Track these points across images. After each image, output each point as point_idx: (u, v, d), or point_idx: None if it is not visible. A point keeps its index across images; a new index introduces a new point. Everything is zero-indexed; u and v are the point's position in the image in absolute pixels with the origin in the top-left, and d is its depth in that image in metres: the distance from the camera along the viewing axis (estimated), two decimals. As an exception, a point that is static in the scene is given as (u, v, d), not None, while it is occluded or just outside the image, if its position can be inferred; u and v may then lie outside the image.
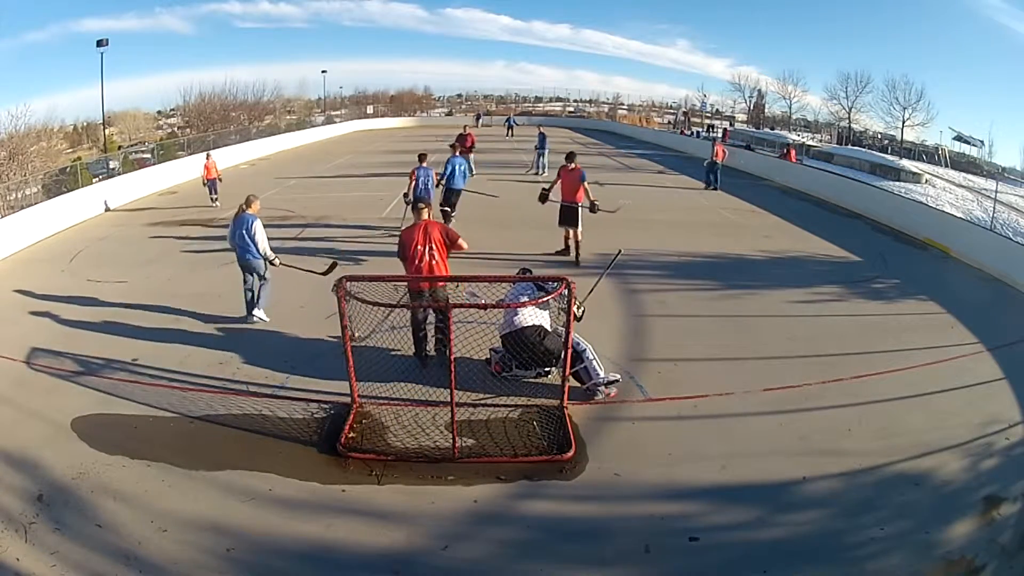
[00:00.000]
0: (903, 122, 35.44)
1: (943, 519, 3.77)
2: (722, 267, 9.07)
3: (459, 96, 55.19)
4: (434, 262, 5.47)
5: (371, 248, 9.68)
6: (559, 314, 5.41)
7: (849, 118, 38.93)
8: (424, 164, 9.50)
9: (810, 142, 33.78)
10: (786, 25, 51.75)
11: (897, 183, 22.04)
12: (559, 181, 8.70)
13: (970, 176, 26.83)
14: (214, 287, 7.87)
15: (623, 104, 52.38)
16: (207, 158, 13.85)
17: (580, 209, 8.51)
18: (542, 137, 18.16)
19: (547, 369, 5.33)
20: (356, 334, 5.70)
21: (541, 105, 53.92)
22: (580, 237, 8.66)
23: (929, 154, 31.97)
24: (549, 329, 5.30)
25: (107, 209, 13.31)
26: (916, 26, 39.92)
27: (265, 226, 6.77)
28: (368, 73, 59.84)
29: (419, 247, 5.45)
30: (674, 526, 3.70)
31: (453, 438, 4.35)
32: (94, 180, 15.83)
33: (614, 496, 3.98)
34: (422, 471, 4.21)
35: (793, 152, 20.35)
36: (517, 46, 70.15)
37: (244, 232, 6.52)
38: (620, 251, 6.64)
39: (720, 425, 4.81)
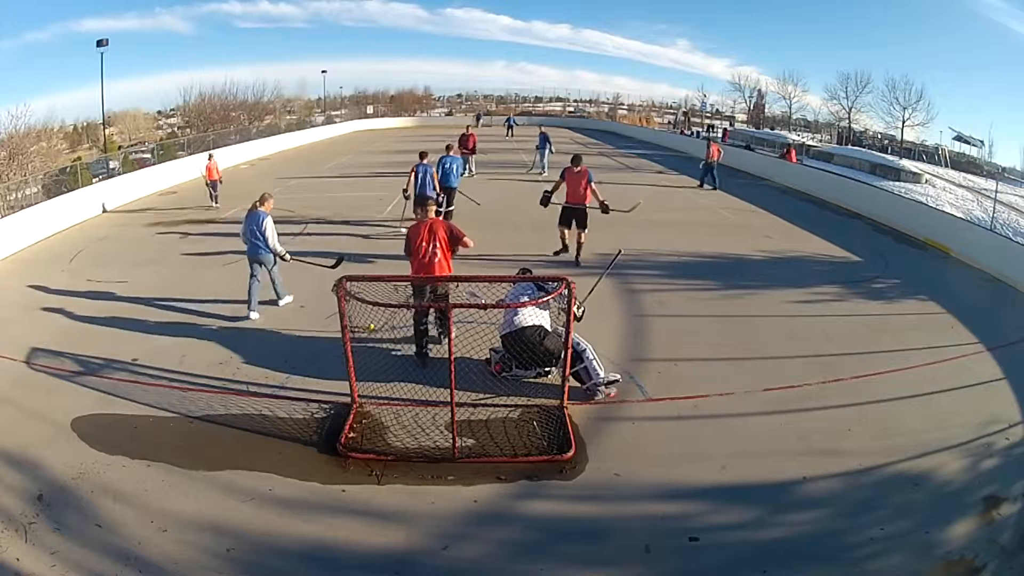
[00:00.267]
0: (903, 122, 35.44)
1: (943, 519, 3.77)
2: (722, 267, 9.07)
3: (459, 96, 55.19)
4: (437, 259, 5.62)
5: (371, 247, 9.69)
6: (559, 314, 5.41)
7: (849, 118, 38.94)
8: (424, 162, 9.68)
9: (810, 142, 33.74)
10: (786, 25, 51.74)
11: (897, 183, 22.02)
12: (562, 183, 8.59)
13: (970, 176, 26.80)
14: (214, 287, 7.87)
15: (623, 104, 52.40)
16: (209, 159, 13.74)
17: (588, 211, 8.45)
18: (543, 137, 18.17)
19: (547, 369, 5.33)
20: (371, 326, 5.92)
21: (541, 105, 53.91)
22: (584, 239, 8.61)
23: (929, 154, 31.95)
24: (549, 329, 5.30)
25: (104, 210, 13.24)
26: (916, 26, 39.92)
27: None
28: (368, 73, 59.93)
29: (423, 243, 5.62)
30: (674, 526, 3.70)
31: (453, 438, 4.35)
32: (94, 180, 15.79)
33: (614, 496, 3.98)
34: (422, 471, 4.21)
35: (793, 152, 20.34)
36: (517, 46, 70.21)
37: (255, 228, 6.77)
38: (620, 251, 6.64)
39: (720, 425, 4.81)
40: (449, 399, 4.34)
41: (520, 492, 4.03)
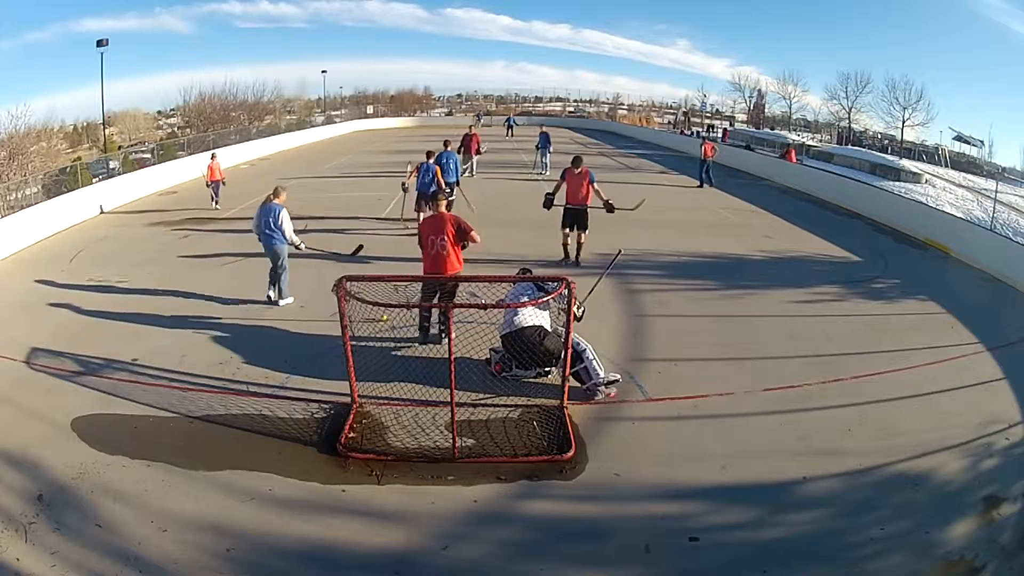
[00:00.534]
0: (903, 122, 35.43)
1: (943, 519, 3.77)
2: (722, 267, 9.07)
3: (459, 96, 55.19)
4: (445, 253, 5.82)
5: (371, 247, 9.66)
6: (559, 314, 5.42)
7: (849, 118, 38.93)
8: (430, 160, 10.03)
9: (810, 142, 33.74)
10: (786, 25, 51.72)
11: (897, 183, 22.02)
12: (563, 184, 8.51)
13: (970, 176, 26.80)
14: (214, 287, 7.87)
15: (623, 104, 52.40)
16: (212, 159, 13.51)
17: (589, 211, 8.40)
18: (544, 137, 18.18)
19: (547, 369, 5.33)
20: (384, 316, 6.05)
21: (541, 105, 53.91)
22: (584, 240, 8.58)
23: (929, 154, 31.95)
24: (549, 329, 5.30)
25: (102, 211, 13.11)
26: (916, 26, 39.90)
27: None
28: (368, 73, 59.86)
29: (431, 237, 5.85)
30: (674, 526, 3.70)
31: (453, 438, 4.35)
32: (94, 180, 15.78)
33: (614, 496, 3.98)
34: (422, 471, 4.21)
35: (793, 153, 20.35)
36: (517, 46, 70.18)
37: (271, 220, 7.00)
38: (620, 251, 6.64)
39: (720, 425, 4.81)
40: (449, 399, 4.34)
41: (520, 492, 4.03)
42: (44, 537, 3.54)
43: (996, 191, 13.88)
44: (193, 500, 3.89)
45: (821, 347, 6.19)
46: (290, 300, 7.28)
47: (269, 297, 7.23)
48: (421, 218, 9.47)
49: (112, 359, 5.80)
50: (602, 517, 3.81)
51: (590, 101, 53.52)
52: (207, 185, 13.17)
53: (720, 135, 32.37)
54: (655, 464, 4.29)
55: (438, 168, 10.01)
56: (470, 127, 18.42)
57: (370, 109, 47.16)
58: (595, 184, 8.38)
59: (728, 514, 3.83)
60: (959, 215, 13.30)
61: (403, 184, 10.50)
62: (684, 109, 47.48)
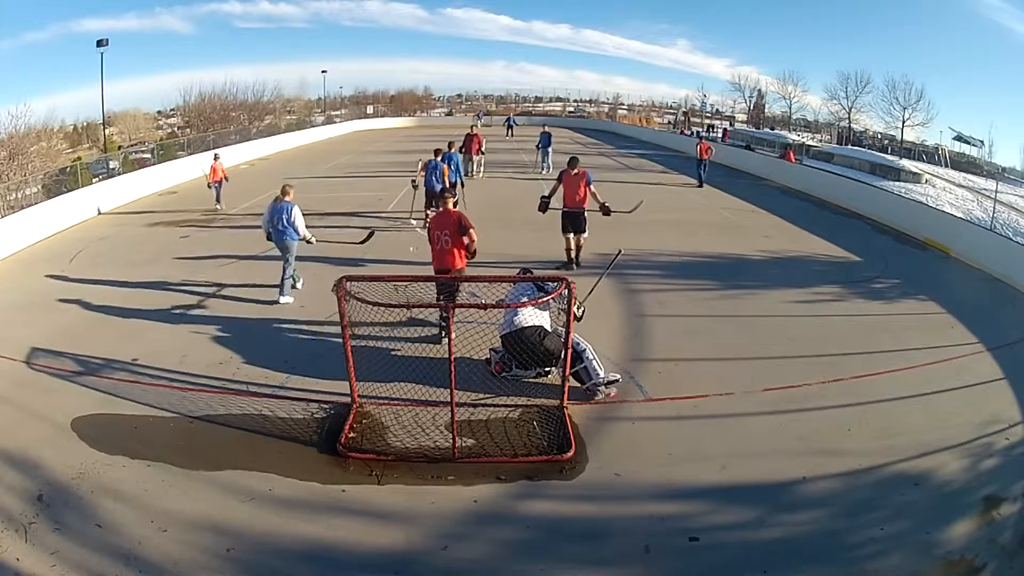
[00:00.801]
0: (903, 122, 35.43)
1: (943, 519, 3.77)
2: (722, 267, 9.06)
3: (459, 96, 55.17)
4: (447, 248, 6.05)
5: (371, 247, 9.66)
6: (559, 314, 5.42)
7: (849, 118, 38.93)
8: (437, 159, 10.43)
9: (810, 142, 33.74)
10: (786, 25, 51.75)
11: (897, 183, 22.03)
12: (560, 186, 8.40)
13: (970, 176, 26.81)
14: (214, 287, 7.88)
15: (623, 104, 52.39)
16: (215, 159, 13.32)
17: (586, 214, 8.29)
18: (546, 137, 18.20)
19: (547, 369, 5.33)
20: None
21: (541, 105, 53.91)
22: (583, 242, 8.46)
23: (929, 154, 31.95)
24: (549, 329, 5.30)
25: (99, 213, 13.00)
26: (916, 26, 39.89)
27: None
28: (368, 73, 59.71)
29: (437, 232, 6.12)
30: (674, 526, 3.70)
31: (453, 438, 4.35)
32: (94, 180, 15.76)
33: (614, 496, 3.98)
34: (422, 471, 4.21)
35: (792, 153, 20.38)
36: (517, 46, 70.16)
37: (284, 218, 7.18)
38: (620, 251, 6.64)
39: (720, 425, 4.81)
40: (449, 399, 4.34)
41: (520, 492, 4.03)
42: (44, 537, 3.54)
43: (996, 191, 13.88)
44: (193, 500, 3.89)
45: (821, 347, 6.19)
46: (289, 300, 7.32)
47: (293, 283, 7.56)
48: (427, 213, 10.20)
49: (112, 359, 5.80)
50: (602, 517, 3.81)
51: (590, 101, 53.54)
52: (208, 186, 13.00)
53: (720, 135, 32.38)
54: (655, 464, 4.29)
55: (445, 167, 10.32)
56: (471, 127, 18.45)
57: (370, 109, 47.15)
58: (591, 186, 8.25)
59: (728, 514, 3.83)
60: (959, 215, 13.30)
61: (413, 181, 10.80)
62: (684, 109, 47.50)
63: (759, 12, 53.23)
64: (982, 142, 32.56)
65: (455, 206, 6.29)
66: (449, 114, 49.38)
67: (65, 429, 4.67)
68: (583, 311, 5.69)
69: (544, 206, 8.73)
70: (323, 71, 45.02)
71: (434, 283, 5.86)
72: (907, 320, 7.07)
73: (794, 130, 40.61)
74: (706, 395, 5.21)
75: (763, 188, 16.62)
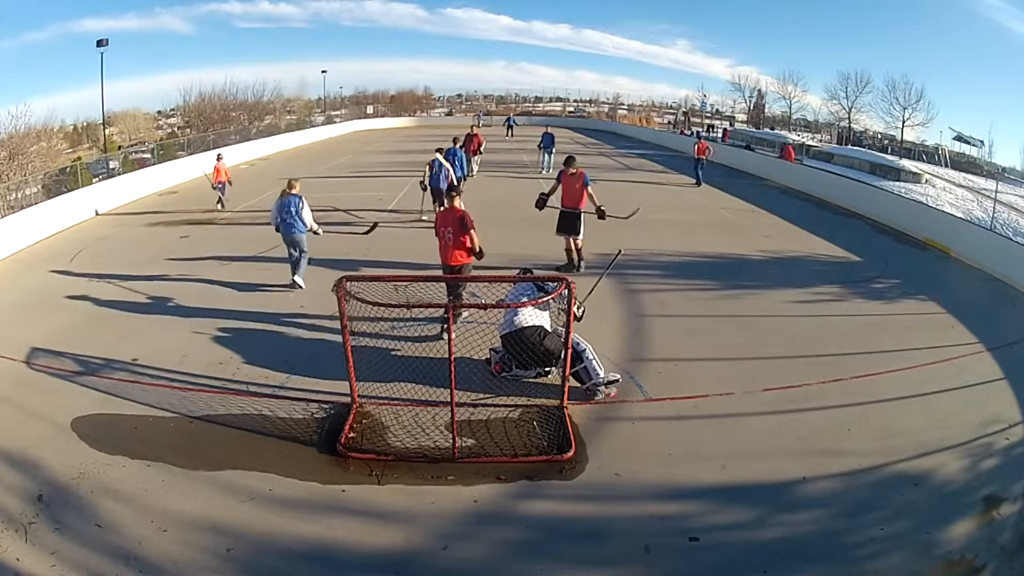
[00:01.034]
0: (903, 122, 35.45)
1: (943, 519, 3.77)
2: (722, 267, 9.06)
3: (459, 96, 55.20)
4: (451, 243, 6.21)
5: (372, 247, 9.68)
6: (559, 314, 5.41)
7: (849, 118, 38.95)
8: (440, 157, 10.80)
9: (810, 142, 33.74)
10: (786, 25, 51.80)
11: (897, 183, 22.03)
12: (559, 186, 8.32)
13: (970, 176, 26.81)
14: (214, 287, 7.87)
15: (623, 104, 52.43)
16: (218, 159, 13.20)
17: (583, 216, 8.16)
18: (549, 137, 18.23)
19: (547, 369, 5.33)
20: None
21: (541, 105, 53.94)
22: (580, 244, 8.33)
23: (929, 154, 31.95)
24: (549, 329, 5.30)
25: (97, 214, 12.92)
26: (916, 26, 39.93)
27: (267, 223, 7.37)
28: (368, 73, 59.81)
29: (442, 228, 6.29)
30: (674, 526, 3.70)
31: (453, 438, 4.35)
32: (94, 180, 15.75)
33: (614, 496, 3.98)
34: (422, 471, 4.21)
35: (791, 150, 20.39)
36: (517, 46, 70.31)
37: (292, 210, 7.48)
38: (620, 251, 6.63)
39: (720, 425, 4.81)
40: (449, 399, 4.34)
41: (520, 492, 4.03)
42: (44, 537, 3.54)
43: (996, 191, 13.88)
44: (193, 500, 3.89)
45: (821, 347, 6.19)
46: (302, 284, 7.69)
47: (294, 282, 7.69)
48: (435, 209, 10.64)
49: (112, 359, 5.80)
50: (602, 517, 3.81)
51: (590, 101, 53.57)
52: (213, 187, 12.90)
53: (720, 135, 32.38)
54: (655, 464, 4.29)
55: (449, 165, 10.71)
56: (471, 127, 18.50)
57: (370, 109, 47.17)
58: (589, 187, 8.12)
59: (728, 514, 3.83)
60: (959, 215, 13.30)
61: (421, 183, 11.07)
62: (684, 109, 47.52)
63: (759, 12, 53.36)
64: (982, 142, 32.61)
65: (448, 204, 6.40)
66: (449, 114, 49.40)
67: (65, 429, 4.67)
68: (583, 311, 5.69)
69: (541, 203, 8.62)
70: (323, 71, 45.13)
71: (434, 283, 5.87)
72: (907, 320, 7.07)
73: (794, 130, 40.62)
74: (706, 395, 5.21)
75: (763, 188, 16.62)
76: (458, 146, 12.19)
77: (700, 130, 34.55)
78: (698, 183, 16.29)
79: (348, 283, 4.46)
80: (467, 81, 62.97)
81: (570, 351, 4.73)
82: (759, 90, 45.11)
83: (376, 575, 3.36)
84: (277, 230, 7.64)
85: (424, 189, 10.96)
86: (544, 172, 17.36)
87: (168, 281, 8.19)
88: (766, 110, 45.26)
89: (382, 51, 67.72)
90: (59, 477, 4.09)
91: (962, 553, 3.52)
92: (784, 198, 15.18)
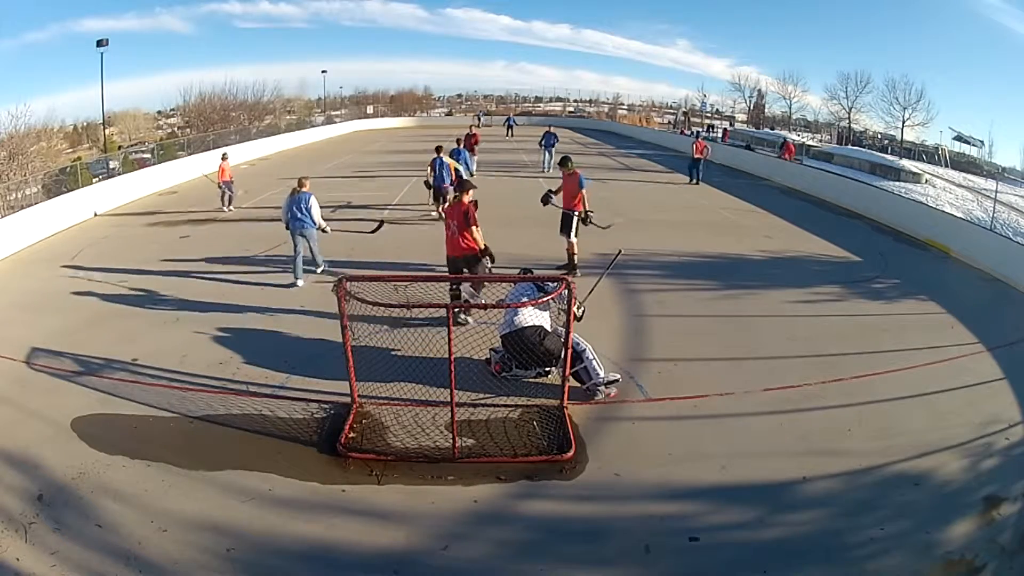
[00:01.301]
0: (903, 122, 35.44)
1: (943, 519, 3.77)
2: (722, 267, 9.06)
3: (459, 96, 55.22)
4: (455, 235, 6.45)
5: (371, 247, 9.68)
6: (559, 314, 5.41)
7: (849, 118, 38.94)
8: (441, 155, 11.07)
9: (810, 142, 33.71)
10: (786, 25, 51.81)
11: (897, 183, 22.01)
12: (563, 186, 8.29)
13: (970, 176, 26.78)
14: (214, 287, 7.88)
15: (623, 104, 52.43)
16: (223, 159, 13.11)
17: (575, 217, 8.10)
18: (550, 136, 18.23)
19: (547, 369, 5.33)
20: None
21: (541, 105, 53.94)
22: (571, 248, 8.21)
23: (929, 154, 31.93)
24: (549, 329, 5.30)
25: (96, 215, 12.85)
26: (916, 26, 39.96)
27: (270, 220, 7.40)
28: (368, 73, 59.94)
29: (449, 221, 6.55)
30: (674, 526, 3.70)
31: (453, 438, 4.35)
32: (94, 180, 15.72)
33: (614, 496, 3.98)
34: (422, 471, 4.21)
35: (791, 146, 20.42)
36: (517, 46, 70.34)
37: (303, 207, 7.76)
38: (620, 251, 6.63)
39: (720, 425, 4.81)
40: (449, 399, 4.34)
41: (520, 492, 4.03)
42: (44, 537, 3.54)
43: (996, 191, 13.87)
44: (193, 500, 3.89)
45: (821, 347, 6.19)
46: (324, 266, 8.26)
47: (318, 269, 8.17)
48: (438, 208, 11.11)
49: (112, 359, 5.80)
50: (602, 517, 3.81)
51: (590, 101, 53.58)
52: (219, 186, 12.80)
53: (720, 135, 32.38)
54: (655, 464, 4.29)
55: (451, 163, 11.03)
56: (471, 127, 18.54)
57: (370, 109, 47.18)
58: (584, 189, 8.04)
59: (728, 514, 3.83)
60: (959, 215, 13.30)
61: (426, 182, 11.41)
62: (684, 109, 47.50)
63: (759, 12, 53.38)
64: (982, 142, 32.60)
65: (457, 198, 6.63)
66: (449, 114, 49.39)
67: (65, 429, 4.67)
68: (583, 311, 5.69)
69: (546, 199, 8.64)
70: (323, 71, 45.14)
71: (434, 283, 5.86)
72: (907, 320, 7.07)
73: (794, 130, 40.62)
74: (706, 395, 5.21)
75: (763, 188, 16.63)
76: (462, 146, 12.66)
77: (700, 130, 34.64)
78: (695, 182, 16.34)
79: (348, 283, 4.46)
80: (467, 81, 63.15)
81: (570, 351, 4.73)
82: (759, 90, 45.18)
83: (376, 575, 3.36)
84: (287, 227, 7.85)
85: (429, 188, 11.30)
86: (545, 171, 17.37)
87: (168, 281, 8.19)
88: (766, 110, 45.28)
89: (382, 51, 67.86)
90: (59, 477, 4.09)
91: (962, 553, 3.52)
92: (784, 198, 15.18)
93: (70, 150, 31.02)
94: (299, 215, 7.75)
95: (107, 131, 32.67)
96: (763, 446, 4.51)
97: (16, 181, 17.15)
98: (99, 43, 28.94)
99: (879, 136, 37.57)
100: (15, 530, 3.59)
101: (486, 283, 5.95)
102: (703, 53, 60.85)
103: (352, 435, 4.56)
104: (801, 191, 15.99)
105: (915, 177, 24.53)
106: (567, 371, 4.83)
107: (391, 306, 4.63)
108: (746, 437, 4.64)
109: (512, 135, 30.68)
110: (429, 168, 11.12)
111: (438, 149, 11.29)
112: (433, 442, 4.49)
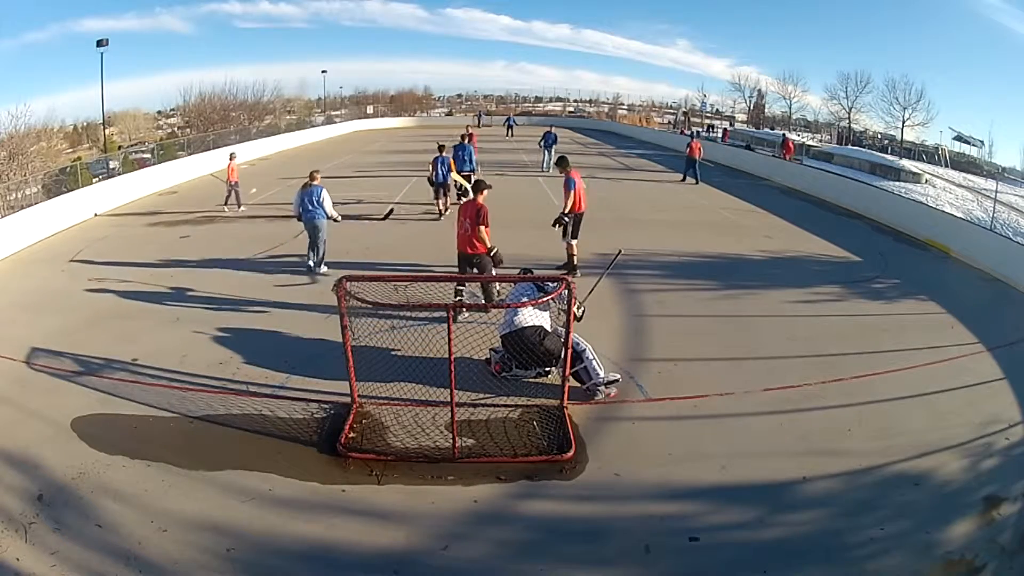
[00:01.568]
0: (903, 122, 35.40)
1: (943, 519, 3.77)
2: (722, 267, 9.06)
3: (459, 96, 55.19)
4: (466, 232, 6.53)
5: (372, 247, 9.68)
6: (559, 314, 5.41)
7: (849, 118, 38.90)
8: (443, 154, 11.48)
9: (810, 142, 33.71)
10: (786, 25, 51.74)
11: (897, 183, 21.99)
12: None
13: (970, 176, 26.76)
14: (214, 287, 7.88)
15: (623, 104, 52.40)
16: (231, 159, 12.98)
17: (567, 218, 7.91)
18: (550, 136, 18.24)
19: (547, 369, 5.33)
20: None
21: (541, 105, 53.92)
22: (573, 249, 8.14)
23: (929, 154, 31.91)
24: (549, 329, 5.30)
25: (96, 215, 12.82)
26: (916, 26, 39.92)
27: (271, 218, 7.50)
28: (368, 73, 59.81)
29: (461, 218, 6.62)
30: (674, 526, 3.70)
31: (453, 438, 4.35)
32: (94, 180, 15.72)
33: (614, 496, 3.98)
34: (422, 471, 4.21)
35: (791, 143, 20.45)
36: (517, 46, 70.22)
37: (315, 199, 8.11)
38: (620, 251, 6.64)
39: (720, 425, 4.81)
40: (449, 399, 4.34)
41: (520, 492, 4.03)
42: (44, 537, 3.54)
43: (996, 191, 13.86)
44: (193, 500, 3.89)
45: (821, 347, 6.19)
46: (326, 269, 8.21)
47: (309, 267, 8.27)
48: (439, 204, 11.68)
49: (112, 359, 5.80)
50: (602, 517, 3.81)
51: (590, 101, 53.55)
52: (228, 186, 12.63)
53: (720, 135, 32.39)
54: (655, 464, 4.29)
55: (452, 160, 11.48)
56: (468, 127, 18.56)
57: (370, 109, 47.16)
58: (571, 191, 7.89)
59: (728, 514, 3.83)
60: (959, 215, 13.29)
61: (429, 179, 11.66)
62: (684, 109, 47.49)
63: (759, 12, 53.32)
64: (982, 142, 32.57)
65: (466, 194, 6.67)
66: (449, 114, 49.37)
67: (65, 429, 4.67)
68: (583, 311, 5.69)
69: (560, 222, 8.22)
70: (323, 71, 45.10)
71: (434, 283, 5.87)
72: (907, 320, 7.07)
73: (794, 130, 40.56)
74: (706, 395, 5.21)
75: (763, 188, 16.63)
76: (467, 141, 13.08)
77: (699, 130, 34.66)
78: (692, 181, 16.43)
79: (348, 283, 4.46)
80: (467, 81, 63.03)
81: (570, 351, 4.73)
82: (759, 90, 45.14)
83: (376, 575, 3.36)
84: (299, 219, 8.19)
85: (432, 185, 11.62)
86: (545, 171, 17.38)
87: (168, 281, 8.18)
88: (766, 110, 45.25)
89: (382, 51, 67.75)
90: (59, 477, 4.09)
91: (962, 553, 3.52)
92: (784, 198, 15.18)
93: (70, 150, 31.01)
94: (311, 207, 8.05)
95: (107, 131, 32.66)
96: (763, 446, 4.51)
97: (16, 181, 17.14)
98: (99, 43, 28.94)
99: (879, 136, 37.55)
100: (15, 530, 3.59)
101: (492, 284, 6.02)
102: (703, 53, 60.81)
103: (352, 435, 4.56)
104: (801, 191, 15.99)
105: (915, 177, 24.51)
106: (567, 371, 4.83)
107: (391, 306, 4.64)
108: (746, 437, 4.64)
109: (512, 135, 30.67)
110: (431, 166, 11.43)
111: (440, 148, 11.63)
112: (433, 442, 4.49)
